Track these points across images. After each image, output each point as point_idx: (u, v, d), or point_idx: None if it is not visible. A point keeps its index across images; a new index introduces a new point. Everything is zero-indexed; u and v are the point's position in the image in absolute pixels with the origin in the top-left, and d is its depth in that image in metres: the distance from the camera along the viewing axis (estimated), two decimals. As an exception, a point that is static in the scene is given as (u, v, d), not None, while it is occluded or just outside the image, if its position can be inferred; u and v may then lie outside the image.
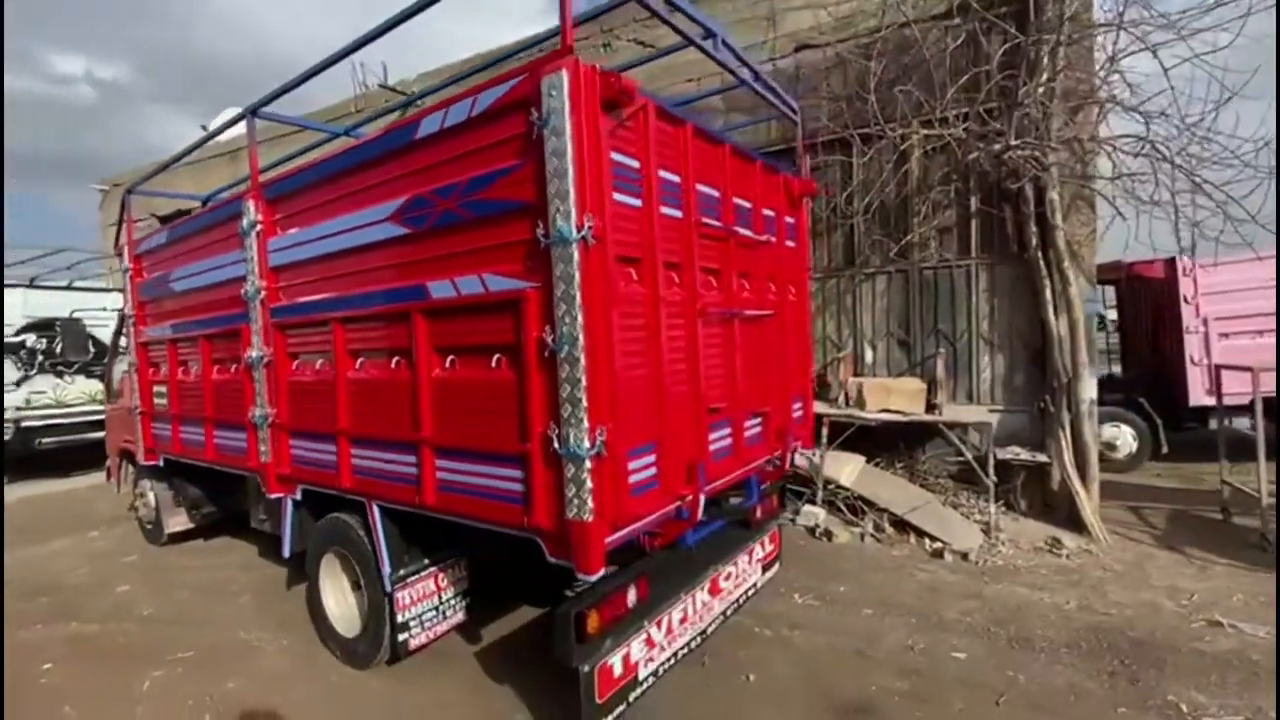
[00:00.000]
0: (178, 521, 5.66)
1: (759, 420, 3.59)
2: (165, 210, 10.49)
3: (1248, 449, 5.39)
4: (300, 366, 3.70)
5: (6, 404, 8.15)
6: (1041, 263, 5.58)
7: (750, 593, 3.89)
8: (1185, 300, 7.48)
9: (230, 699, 3.38)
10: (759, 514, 3.98)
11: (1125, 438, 7.88)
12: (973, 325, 6.16)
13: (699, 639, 3.35)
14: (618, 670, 2.75)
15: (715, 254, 3.20)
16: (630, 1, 2.87)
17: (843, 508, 5.94)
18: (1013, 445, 5.96)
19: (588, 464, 2.30)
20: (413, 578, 3.36)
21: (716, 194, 3.21)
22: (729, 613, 3.65)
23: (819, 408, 6.20)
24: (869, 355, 6.70)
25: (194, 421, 4.73)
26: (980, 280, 6.09)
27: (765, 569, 4.07)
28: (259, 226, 3.77)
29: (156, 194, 7.07)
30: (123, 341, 5.88)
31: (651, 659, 2.96)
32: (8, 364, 8.21)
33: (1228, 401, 5.98)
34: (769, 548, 4.11)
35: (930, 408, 5.97)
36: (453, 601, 3.57)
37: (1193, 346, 7.45)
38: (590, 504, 2.32)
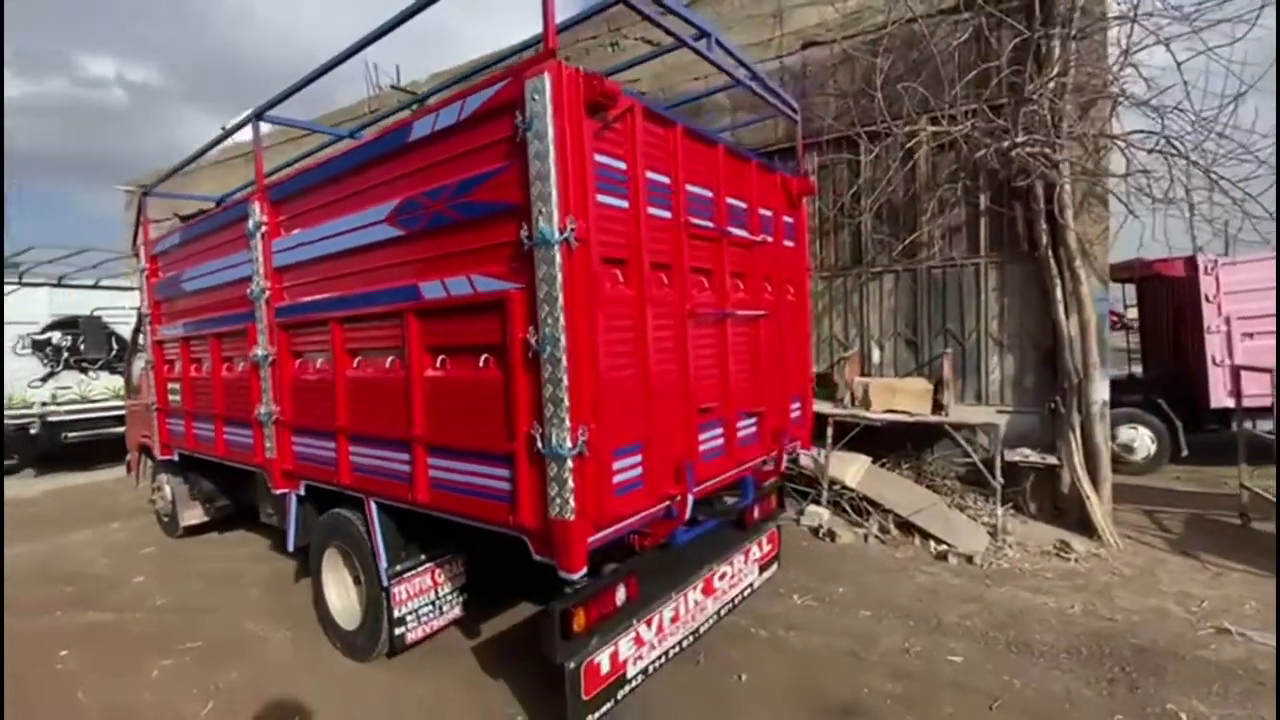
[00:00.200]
0: (193, 515, 5.82)
1: (753, 420, 3.59)
2: (188, 211, 10.75)
3: (1270, 452, 5.25)
4: (302, 365, 3.78)
5: (34, 399, 8.42)
6: (1052, 261, 5.48)
7: (746, 593, 3.89)
8: (1206, 299, 7.29)
9: (233, 688, 3.48)
10: (756, 514, 3.98)
11: (1143, 440, 7.71)
12: (981, 325, 6.08)
13: (691, 638, 3.37)
14: (605, 668, 2.78)
15: (707, 254, 3.20)
16: (621, 4, 2.86)
17: (848, 509, 5.90)
18: (1022, 447, 5.86)
19: (569, 463, 2.33)
20: (409, 573, 3.42)
21: (709, 194, 3.21)
22: (724, 612, 3.66)
23: (824, 408, 6.17)
24: (876, 355, 6.64)
25: (205, 418, 4.85)
26: (989, 279, 6.00)
27: (763, 569, 4.07)
28: (264, 228, 3.85)
29: (172, 195, 7.24)
30: (141, 339, 6.04)
31: (641, 657, 2.98)
32: (35, 360, 8.48)
33: (1248, 404, 5.83)
34: (767, 548, 4.10)
35: (937, 408, 5.90)
36: (450, 597, 3.63)
37: (1214, 346, 7.26)
38: (572, 503, 2.34)
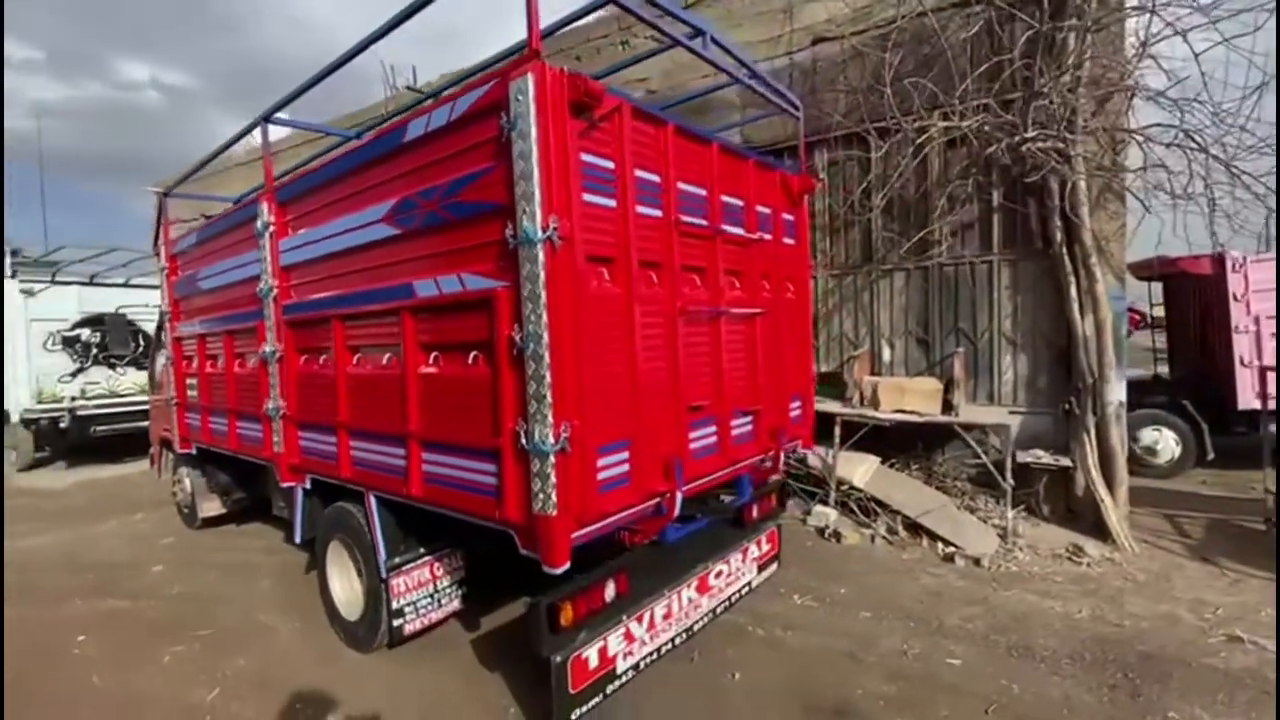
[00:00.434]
0: (211, 507, 5.98)
1: (749, 419, 3.58)
2: (215, 211, 11.02)
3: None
4: (307, 362, 3.87)
5: (64, 394, 8.73)
6: (1066, 259, 5.36)
7: (744, 591, 3.88)
8: (1235, 298, 7.06)
9: (239, 675, 3.58)
10: (755, 513, 3.97)
11: (1167, 442, 7.49)
12: (994, 324, 5.97)
13: (685, 635, 3.37)
14: (593, 662, 2.80)
15: (700, 252, 3.21)
16: (611, 4, 2.87)
17: (855, 509, 5.85)
18: (1035, 448, 5.75)
19: (552, 459, 2.35)
20: (408, 566, 3.48)
21: (702, 192, 3.21)
22: (719, 611, 3.66)
23: (832, 407, 6.13)
24: (887, 354, 6.56)
25: (219, 412, 4.99)
26: (1002, 277, 5.89)
27: (762, 568, 4.05)
28: (272, 227, 3.95)
29: (192, 196, 7.44)
30: (162, 336, 6.23)
31: (631, 653, 3.00)
32: (65, 356, 8.80)
33: (1275, 405, 5.64)
34: (766, 547, 4.09)
35: (947, 408, 5.81)
36: (448, 590, 3.68)
37: (1242, 347, 7.02)
38: (554, 499, 2.37)
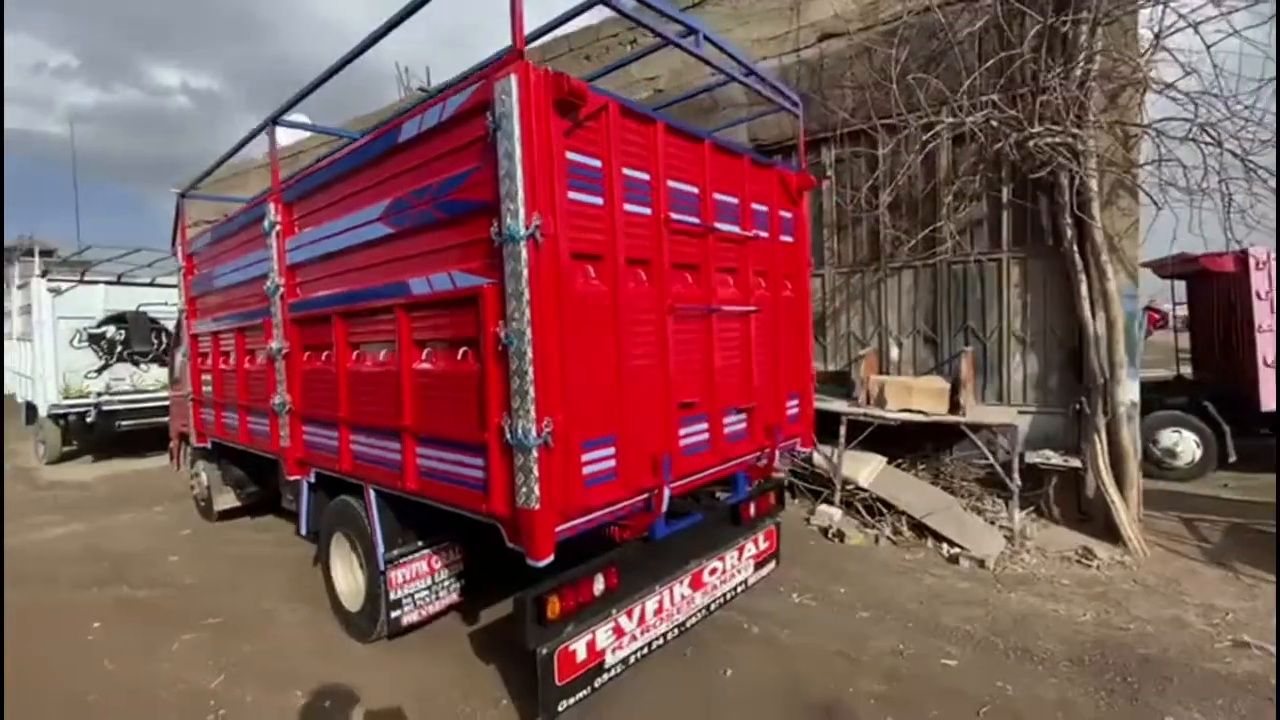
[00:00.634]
0: (225, 500, 6.13)
1: (742, 416, 3.58)
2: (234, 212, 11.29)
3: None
4: (311, 358, 3.95)
5: (90, 389, 9.01)
6: (1077, 256, 5.27)
7: (740, 589, 3.89)
8: (1258, 296, 6.86)
9: (244, 662, 3.68)
10: (752, 511, 3.97)
11: (1188, 444, 7.31)
12: (1004, 322, 5.89)
13: (677, 631, 3.39)
14: (581, 655, 2.83)
15: (692, 250, 3.22)
16: (603, 4, 2.90)
17: (861, 509, 5.81)
18: (1045, 449, 5.67)
19: (534, 454, 2.39)
20: (406, 558, 3.55)
21: (694, 190, 3.22)
22: (714, 607, 3.67)
23: (838, 406, 6.09)
24: (894, 352, 6.51)
25: (231, 407, 5.12)
26: (1012, 275, 5.81)
27: (759, 566, 4.06)
28: (278, 227, 4.04)
29: (209, 198, 7.63)
30: (181, 334, 6.40)
31: (620, 647, 3.03)
32: (91, 353, 9.09)
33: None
34: (764, 545, 4.09)
35: (954, 408, 5.75)
36: (446, 583, 3.74)
37: (1266, 346, 6.82)
38: (537, 492, 2.40)
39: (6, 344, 11.14)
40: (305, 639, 3.95)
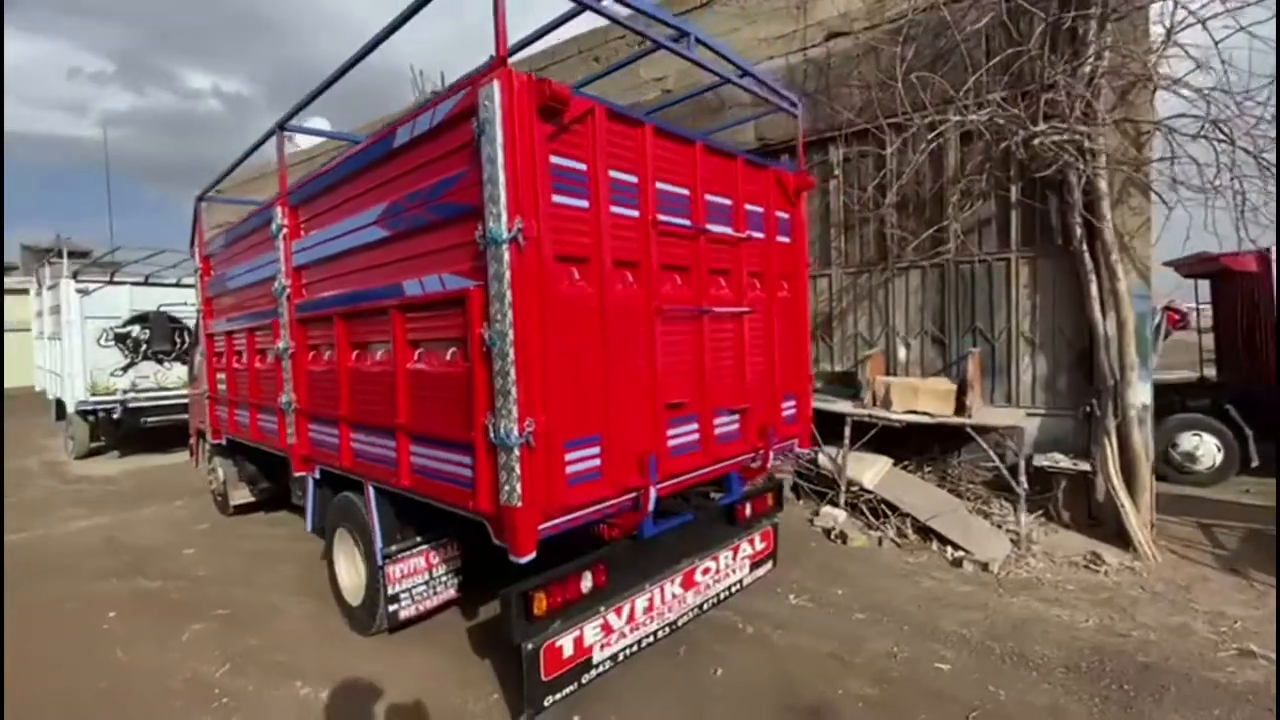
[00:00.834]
0: (240, 495, 6.29)
1: (735, 417, 3.59)
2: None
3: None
4: (315, 357, 4.05)
5: (116, 387, 9.31)
6: (1087, 256, 5.18)
7: (734, 589, 3.90)
8: (1282, 296, 6.68)
9: (249, 653, 3.79)
10: (748, 512, 3.98)
11: (1208, 448, 7.12)
12: (1012, 323, 5.80)
13: (668, 630, 3.42)
14: (568, 651, 2.88)
15: (683, 252, 3.24)
16: (591, 11, 2.93)
17: (865, 511, 5.77)
18: (1054, 452, 5.58)
19: (516, 453, 2.43)
20: (404, 553, 3.62)
21: (685, 192, 3.24)
22: (706, 607, 3.69)
23: (843, 407, 6.06)
24: (902, 353, 6.45)
25: (243, 405, 5.26)
26: (1021, 275, 5.72)
27: (755, 567, 4.06)
28: (285, 230, 4.15)
29: (229, 200, 7.83)
30: (199, 333, 6.58)
31: (609, 644, 3.07)
32: (117, 352, 9.39)
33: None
34: (760, 546, 4.09)
35: (961, 409, 5.68)
36: (444, 578, 3.81)
37: (1290, 348, 6.64)
38: (519, 490, 2.45)
39: (37, 343, 11.55)
40: (309, 631, 4.05)
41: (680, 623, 3.49)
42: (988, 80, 5.16)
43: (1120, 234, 5.07)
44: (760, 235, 3.78)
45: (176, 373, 9.44)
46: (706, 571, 3.66)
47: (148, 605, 4.53)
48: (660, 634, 3.37)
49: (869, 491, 5.82)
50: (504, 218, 2.37)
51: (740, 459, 3.69)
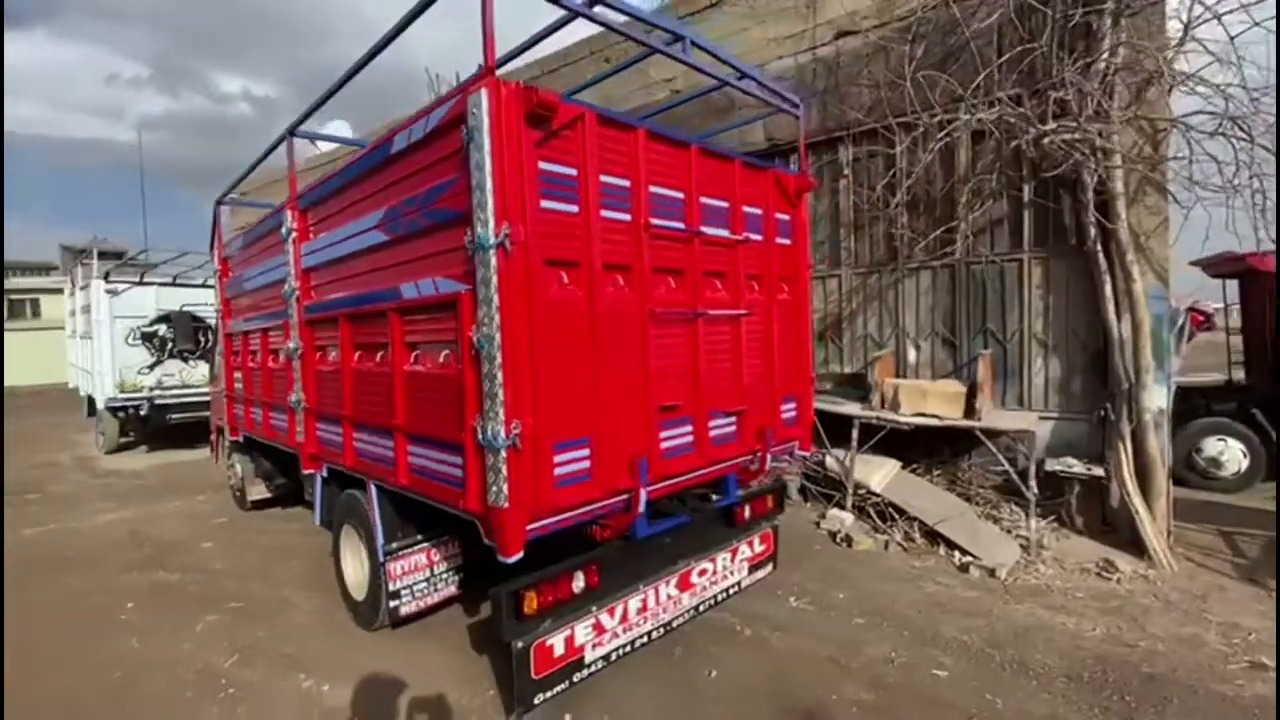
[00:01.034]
0: (257, 491, 6.45)
1: (731, 420, 3.59)
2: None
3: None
4: (321, 358, 4.15)
5: (142, 384, 9.61)
6: (1101, 256, 5.06)
7: (732, 591, 3.91)
8: (1311, 296, 6.45)
9: (257, 645, 3.90)
10: (747, 514, 3.98)
11: (1233, 453, 6.92)
12: (1025, 324, 5.70)
13: (663, 631, 3.44)
14: (559, 650, 2.91)
15: (677, 255, 3.25)
16: (582, 18, 2.96)
17: (872, 514, 5.72)
18: (1068, 456, 5.47)
19: (503, 454, 2.47)
20: (404, 551, 3.69)
21: (679, 195, 3.25)
22: (703, 608, 3.70)
23: (851, 409, 6.02)
24: (912, 355, 6.37)
25: (258, 404, 5.40)
26: (1033, 276, 5.61)
27: (754, 569, 4.06)
28: (294, 233, 4.25)
29: (250, 204, 8.02)
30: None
31: (601, 643, 3.10)
32: (143, 350, 9.69)
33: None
34: (760, 548, 4.09)
35: (971, 412, 5.60)
36: (445, 575, 3.87)
37: (1320, 351, 6.41)
38: (506, 491, 2.49)
39: (70, 341, 11.94)
40: (316, 625, 4.16)
41: (676, 624, 3.51)
42: (999, 78, 5.07)
43: (1136, 234, 4.95)
44: (758, 237, 3.77)
45: (200, 371, 9.71)
46: (703, 573, 3.67)
47: (165, 597, 4.68)
48: (655, 635, 3.39)
49: (876, 494, 5.77)
50: (491, 223, 2.41)
51: (737, 461, 3.69)
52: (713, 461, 3.47)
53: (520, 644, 2.76)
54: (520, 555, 2.58)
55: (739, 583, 3.96)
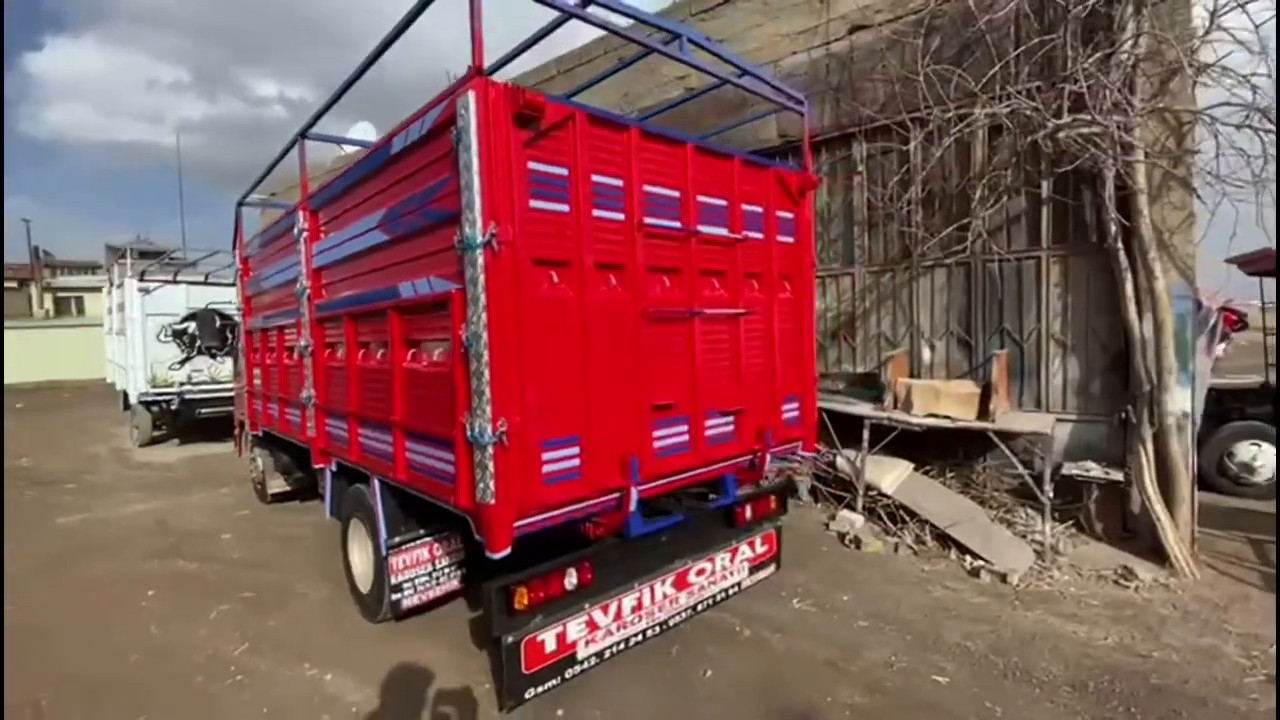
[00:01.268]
0: (277, 484, 6.62)
1: (728, 419, 3.57)
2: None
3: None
4: (330, 355, 4.24)
5: (173, 380, 9.94)
6: (1122, 254, 4.90)
7: (732, 591, 3.89)
8: (1354, 296, 6.16)
9: (267, 633, 4.02)
10: (748, 514, 3.96)
11: (1267, 458, 6.65)
12: (1042, 324, 5.55)
13: (658, 629, 3.45)
14: (550, 646, 2.94)
15: (672, 254, 3.25)
16: (575, 19, 2.97)
17: (883, 516, 5.64)
18: (1086, 460, 5.32)
19: (490, 451, 2.50)
20: (407, 545, 3.75)
21: (674, 194, 3.24)
22: (700, 608, 3.70)
23: (863, 409, 5.93)
24: (926, 355, 6.25)
25: (274, 399, 5.54)
26: (1051, 274, 5.46)
27: (755, 570, 4.04)
28: (305, 233, 4.35)
29: (274, 204, 8.22)
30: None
31: (594, 640, 3.12)
32: (174, 347, 10.02)
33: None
34: (761, 549, 4.07)
35: (986, 413, 5.47)
36: (447, 570, 3.93)
37: (1362, 353, 6.12)
38: (493, 488, 2.52)
39: (107, 338, 12.37)
40: (323, 616, 4.26)
41: (672, 623, 3.51)
42: (1015, 71, 4.94)
43: (1159, 230, 4.78)
44: (759, 235, 3.74)
45: (226, 367, 10.00)
46: (701, 573, 3.66)
47: (184, 585, 4.84)
48: (650, 633, 3.40)
49: (887, 496, 5.68)
50: (479, 223, 2.44)
51: (735, 461, 3.67)
52: (709, 461, 3.46)
53: (510, 639, 2.80)
54: (508, 551, 2.61)
55: (739, 583, 3.94)
